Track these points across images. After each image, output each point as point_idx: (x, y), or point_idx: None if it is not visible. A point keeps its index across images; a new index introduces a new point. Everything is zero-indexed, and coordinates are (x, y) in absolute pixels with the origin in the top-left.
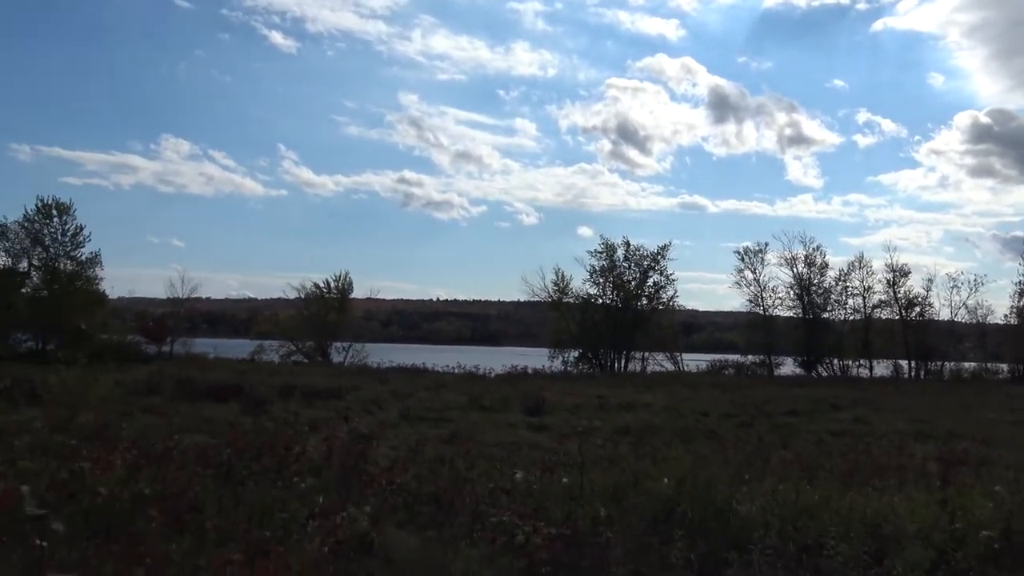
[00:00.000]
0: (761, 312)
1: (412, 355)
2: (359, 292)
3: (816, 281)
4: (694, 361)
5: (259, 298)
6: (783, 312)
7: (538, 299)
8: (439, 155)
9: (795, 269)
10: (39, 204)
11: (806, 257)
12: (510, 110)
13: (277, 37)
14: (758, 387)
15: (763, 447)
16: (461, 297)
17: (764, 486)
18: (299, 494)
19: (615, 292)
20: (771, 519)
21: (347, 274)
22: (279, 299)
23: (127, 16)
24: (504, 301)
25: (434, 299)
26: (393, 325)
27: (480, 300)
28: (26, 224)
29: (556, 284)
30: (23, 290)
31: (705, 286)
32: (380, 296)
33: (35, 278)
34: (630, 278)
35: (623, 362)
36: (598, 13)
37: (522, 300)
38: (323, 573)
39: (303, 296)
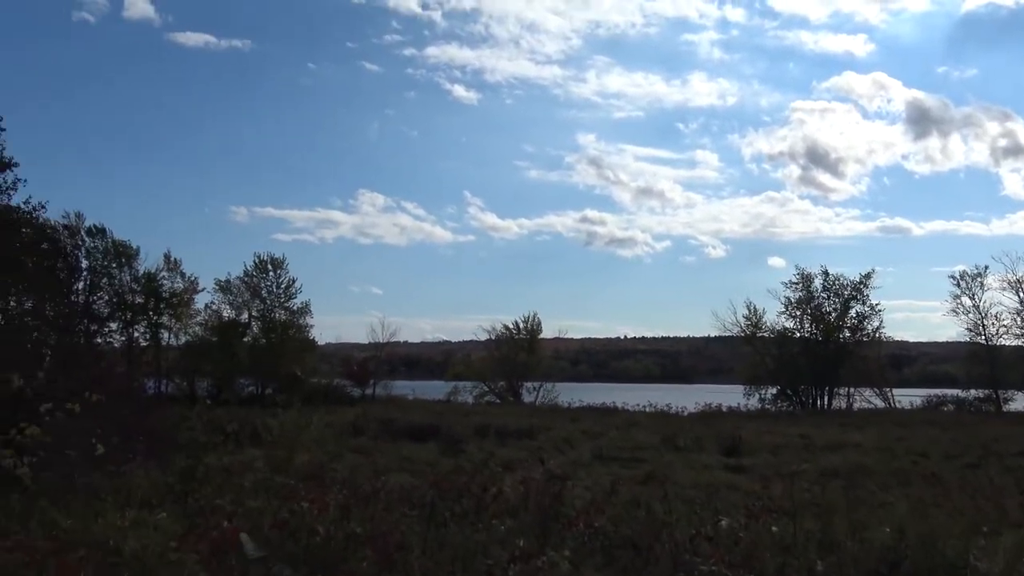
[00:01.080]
0: (983, 342)
1: (602, 394)
2: (547, 332)
3: None
4: (906, 397)
5: (452, 340)
6: (1009, 341)
7: (729, 334)
8: (620, 192)
9: (1021, 294)
10: (256, 260)
11: None
12: (690, 142)
13: (459, 90)
14: (984, 424)
15: (996, 492)
16: (648, 334)
17: (1005, 540)
18: (499, 537)
19: (814, 324)
20: None
21: (535, 315)
22: (471, 341)
23: (323, 82)
24: (693, 337)
25: (621, 337)
26: (582, 364)
27: (668, 336)
28: (246, 279)
29: (748, 318)
30: (244, 339)
31: (914, 315)
32: (568, 335)
33: (254, 328)
34: (830, 309)
35: (826, 399)
36: (778, 36)
37: (712, 335)
38: None
39: (494, 338)
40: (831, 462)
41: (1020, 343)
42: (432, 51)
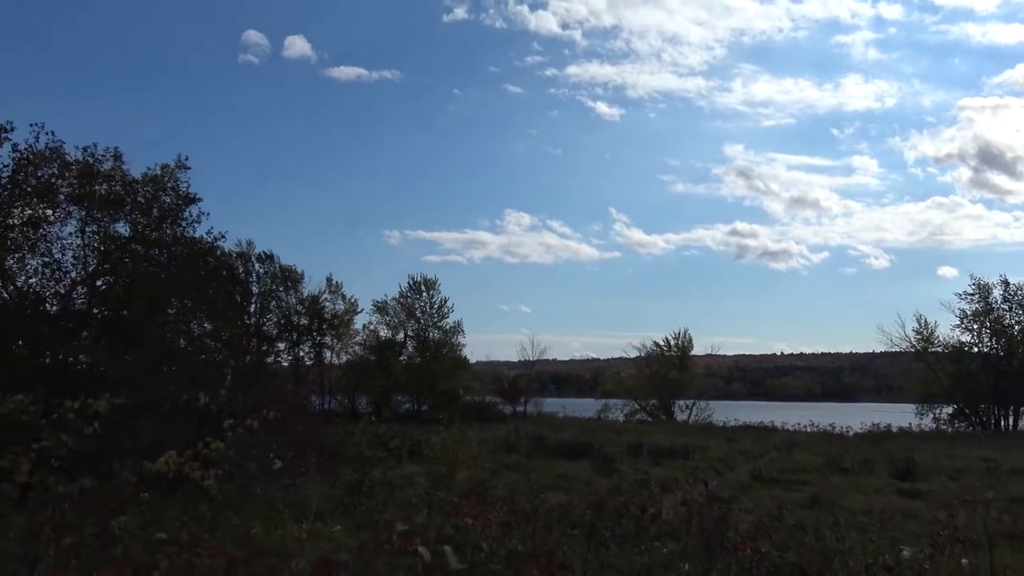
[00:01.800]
0: None
1: (758, 412)
2: (699, 349)
3: None
4: None
5: (601, 358)
6: None
7: (897, 349)
8: (771, 203)
9: None
10: (411, 282)
11: None
12: (846, 148)
13: (602, 107)
14: None
15: None
16: (806, 350)
17: None
18: (661, 559)
19: (994, 338)
20: None
21: (686, 331)
22: (620, 358)
23: (468, 107)
24: (856, 353)
25: (777, 353)
26: (736, 381)
27: (828, 352)
28: (401, 300)
29: (919, 332)
30: (401, 358)
31: None
32: (721, 352)
33: (410, 347)
34: (1012, 322)
35: (1012, 419)
36: (940, 31)
37: (878, 351)
38: None
39: (643, 355)
40: (1021, 490)
41: None
42: (573, 70)
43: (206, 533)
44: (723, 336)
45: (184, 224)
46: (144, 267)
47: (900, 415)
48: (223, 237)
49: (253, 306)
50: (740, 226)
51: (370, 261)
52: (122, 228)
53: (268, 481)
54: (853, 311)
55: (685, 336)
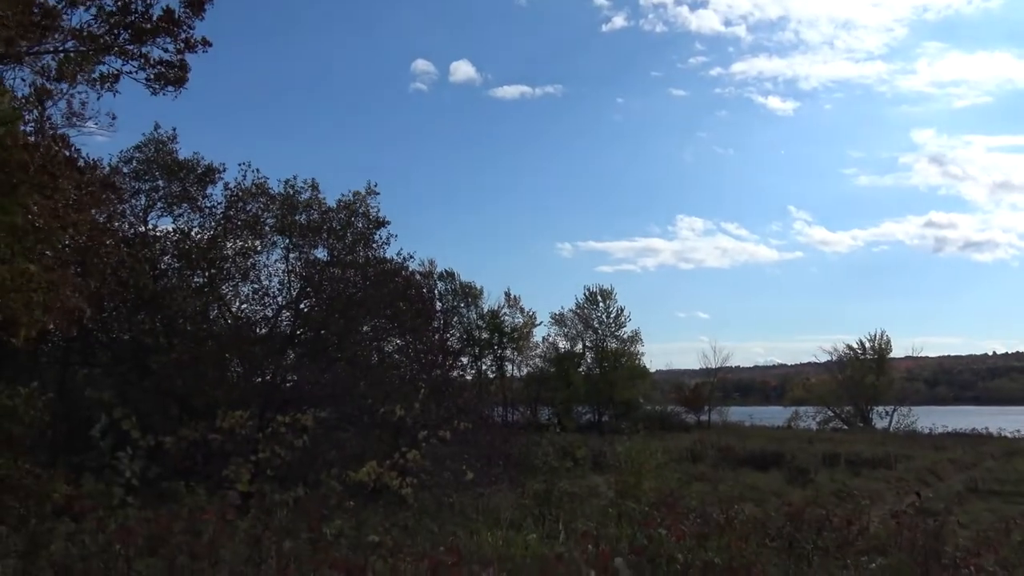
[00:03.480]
0: None
1: (969, 418)
2: (897, 351)
3: None
4: None
5: (787, 364)
6: None
7: None
8: (971, 190)
9: None
10: (586, 293)
11: None
12: None
13: (774, 102)
14: None
15: None
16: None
17: None
18: (870, 575)
19: None
20: None
21: (883, 333)
22: (809, 363)
23: (632, 114)
24: None
25: (989, 353)
26: (941, 385)
27: None
28: (577, 311)
29: None
30: (579, 369)
31: None
32: (922, 354)
33: (588, 358)
34: None
35: None
36: None
37: None
38: None
39: (835, 359)
40: None
41: None
42: (739, 67)
43: (408, 539)
44: (924, 336)
45: (375, 246)
46: (340, 288)
47: None
48: (411, 257)
49: (437, 322)
50: (936, 217)
51: (545, 274)
52: (320, 253)
53: (460, 490)
54: None
55: (882, 338)
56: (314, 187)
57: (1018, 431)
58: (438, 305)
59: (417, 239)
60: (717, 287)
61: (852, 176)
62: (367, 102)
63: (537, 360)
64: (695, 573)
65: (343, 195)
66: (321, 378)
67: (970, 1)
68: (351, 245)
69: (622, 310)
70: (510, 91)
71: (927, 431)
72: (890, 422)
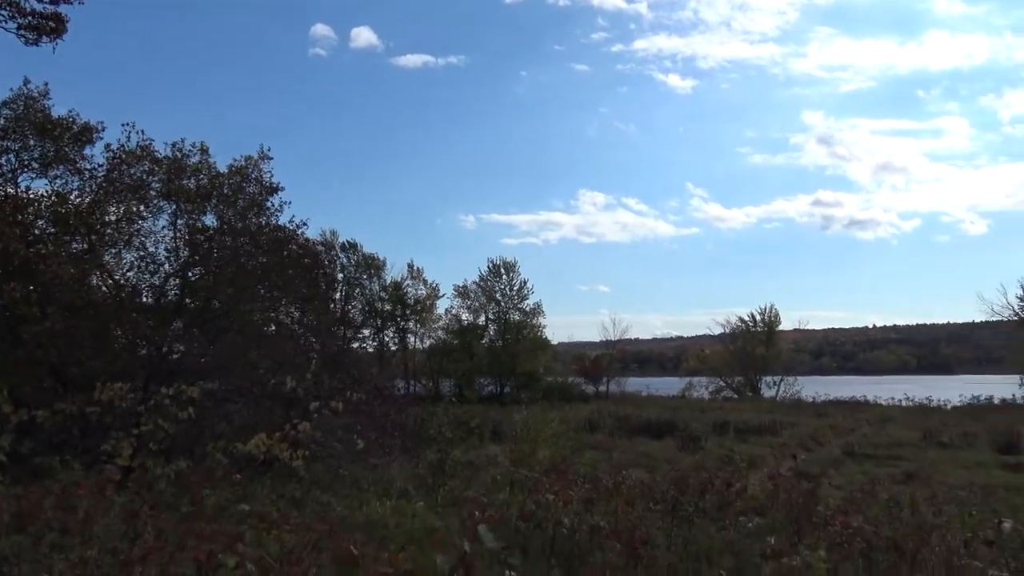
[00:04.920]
0: None
1: (849, 387)
2: (786, 324)
3: None
4: None
5: (684, 336)
6: None
7: (999, 318)
8: (856, 170)
9: None
10: (490, 265)
11: None
12: (934, 109)
13: (674, 80)
14: None
15: None
16: (900, 322)
17: None
18: (746, 534)
19: None
20: None
21: (772, 306)
22: (704, 336)
23: (536, 88)
24: (953, 323)
25: (869, 326)
26: (825, 356)
27: (923, 324)
28: (481, 284)
29: (1022, 299)
30: (482, 341)
31: None
32: (809, 327)
33: (491, 330)
34: None
35: None
36: None
37: (978, 320)
38: None
39: (728, 331)
40: None
41: None
42: (641, 44)
43: (294, 510)
44: (811, 310)
45: (268, 213)
46: (231, 256)
47: (1003, 387)
48: (305, 224)
49: (339, 293)
50: (824, 195)
51: (448, 246)
52: (210, 220)
53: (353, 461)
54: (949, 280)
55: (771, 311)
56: (204, 151)
57: (892, 398)
58: (340, 276)
59: (318, 209)
60: (618, 261)
61: (746, 155)
62: (263, 67)
63: (440, 332)
64: (582, 536)
65: (235, 160)
66: (209, 349)
67: None
68: (242, 211)
69: (525, 282)
70: (413, 60)
71: (811, 399)
72: (777, 391)
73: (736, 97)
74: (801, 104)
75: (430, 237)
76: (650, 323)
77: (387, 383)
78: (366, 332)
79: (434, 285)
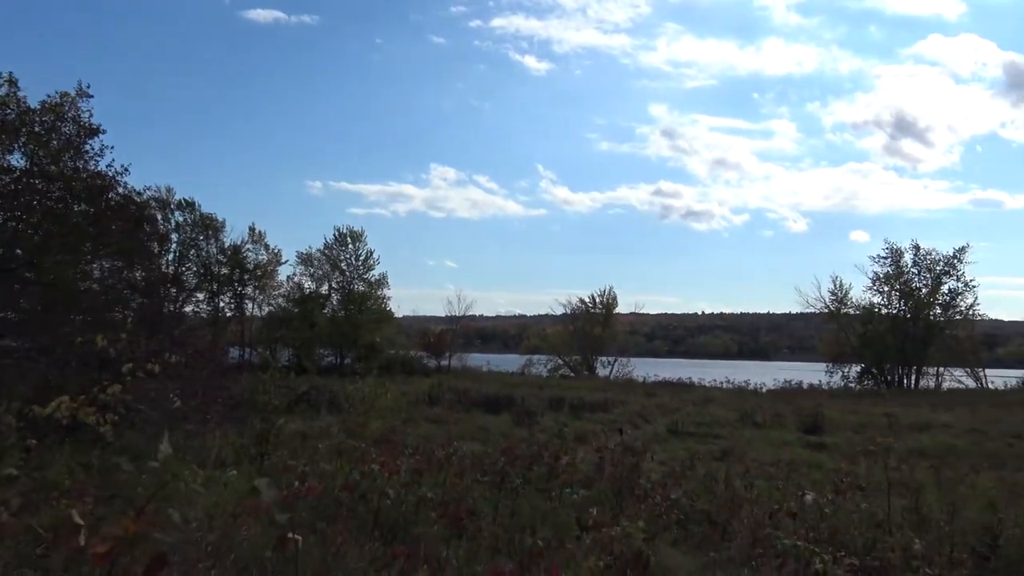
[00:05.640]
0: None
1: (678, 369)
2: (623, 307)
3: None
4: (1000, 377)
5: (527, 314)
6: None
7: (812, 310)
8: (695, 164)
9: None
10: (336, 233)
11: None
12: (767, 112)
13: (530, 61)
14: None
15: None
16: (727, 310)
17: None
18: (570, 505)
19: (902, 301)
20: None
21: (611, 289)
22: (546, 315)
23: (391, 56)
24: (774, 313)
25: (698, 312)
26: (658, 339)
27: (747, 313)
28: (326, 251)
29: (833, 293)
30: (324, 311)
31: (1009, 292)
32: (644, 311)
33: (334, 300)
34: (920, 285)
35: (913, 378)
36: None
37: (794, 312)
38: None
39: (569, 311)
40: (919, 442)
41: None
42: (499, 22)
43: (95, 480)
44: (647, 295)
45: (86, 157)
46: (40, 201)
47: (812, 373)
48: (126, 171)
49: (171, 254)
50: (664, 186)
51: (293, 212)
52: (17, 160)
53: (169, 428)
54: (772, 272)
55: (610, 293)
56: (12, 82)
57: (715, 381)
58: (174, 236)
59: (153, 165)
60: (466, 237)
61: (595, 141)
62: (93, 8)
63: (280, 300)
64: (408, 508)
65: (49, 96)
66: (10, 303)
67: None
68: (56, 153)
69: (371, 253)
70: (263, 15)
71: (642, 380)
72: (611, 371)
73: (588, 84)
74: (648, 96)
75: (274, 201)
76: (495, 300)
77: (219, 348)
78: (200, 296)
79: (276, 250)
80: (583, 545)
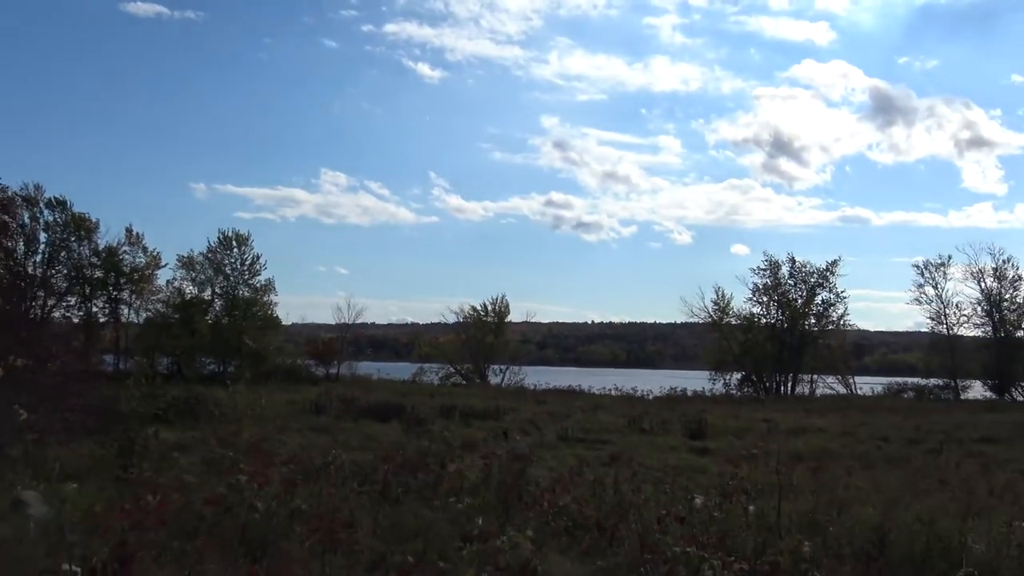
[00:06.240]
0: (944, 331)
1: (568, 377)
2: (515, 315)
3: (1008, 296)
4: (867, 384)
5: (420, 322)
6: (969, 331)
7: (697, 320)
8: (585, 176)
9: (983, 283)
10: (220, 236)
11: (995, 270)
12: (654, 127)
13: (424, 68)
14: (943, 412)
15: (964, 477)
16: (615, 319)
17: (997, 522)
18: (455, 514)
19: (780, 311)
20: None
21: (503, 297)
22: (438, 323)
23: (281, 57)
24: (660, 323)
25: (588, 321)
26: (549, 348)
27: (635, 322)
28: (209, 255)
29: (716, 303)
30: (207, 317)
31: (874, 304)
32: (536, 319)
33: (217, 305)
34: (796, 296)
35: (790, 385)
36: (739, 21)
37: (679, 322)
38: None
39: (461, 320)
40: (795, 446)
41: (979, 333)
42: (392, 27)
43: None
44: (540, 304)
45: None
46: None
47: (695, 381)
48: None
49: (40, 255)
50: (556, 197)
51: (175, 214)
52: None
53: (14, 438)
54: (658, 283)
55: (502, 302)
56: None
57: (603, 388)
58: (43, 236)
59: (20, 161)
60: (358, 244)
61: (488, 151)
62: None
63: (159, 305)
64: (280, 521)
65: None
66: None
67: (595, 6)
68: None
69: (258, 258)
70: (144, 8)
71: (532, 387)
72: (503, 379)
73: (481, 94)
74: (540, 108)
75: (155, 203)
76: (387, 308)
77: (93, 355)
78: (72, 299)
79: (155, 253)
80: (465, 557)
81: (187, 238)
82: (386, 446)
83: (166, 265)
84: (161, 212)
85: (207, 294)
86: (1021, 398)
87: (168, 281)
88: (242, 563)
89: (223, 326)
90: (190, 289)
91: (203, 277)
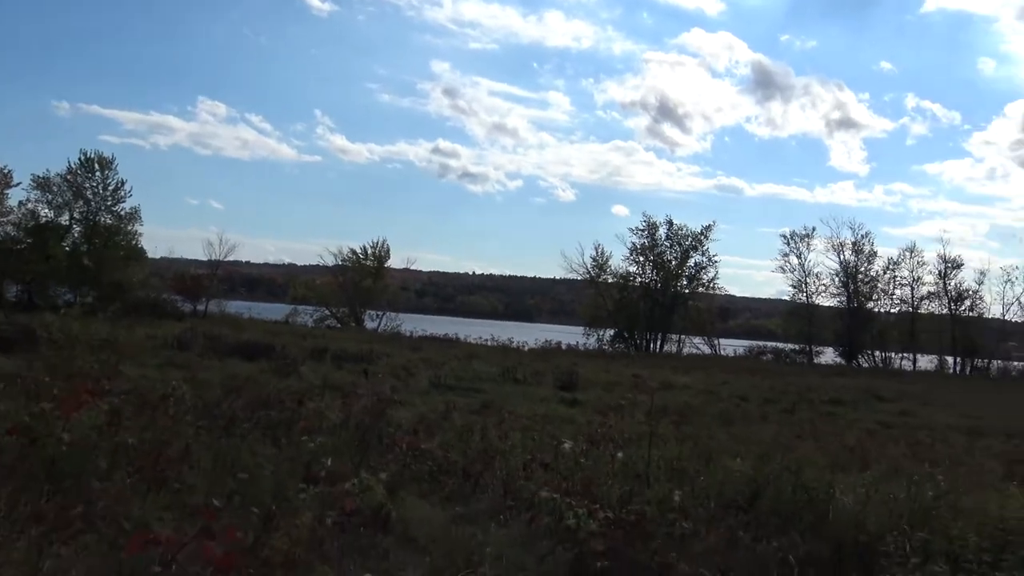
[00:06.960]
0: (804, 299)
1: (445, 326)
2: (395, 262)
3: (863, 269)
4: (730, 346)
5: (297, 263)
6: (826, 300)
7: (575, 275)
8: (474, 126)
9: (842, 256)
10: (82, 158)
11: (854, 244)
12: (544, 82)
13: None
14: (798, 374)
15: (817, 435)
16: (496, 272)
17: (864, 476)
18: (304, 454)
19: (655, 271)
20: (888, 516)
21: (384, 242)
22: (317, 265)
23: None
24: (540, 278)
25: (469, 272)
26: (428, 296)
27: (515, 276)
28: (68, 177)
29: (595, 260)
30: (63, 243)
31: (741, 271)
32: (416, 267)
33: (75, 232)
34: (671, 258)
35: (659, 343)
36: None
37: (558, 277)
38: (323, 551)
39: (340, 262)
40: (662, 400)
41: (835, 302)
42: None
43: None
44: (422, 252)
45: None
46: None
47: (571, 335)
48: None
49: None
50: (443, 144)
51: (33, 132)
52: None
53: None
54: (541, 238)
55: (383, 246)
56: None
57: (480, 338)
58: None
59: None
60: (234, 179)
61: (376, 91)
62: None
63: (10, 227)
64: (102, 455)
65: None
66: None
67: None
68: None
69: (123, 183)
70: None
71: (409, 334)
72: (379, 324)
73: (372, 31)
74: (431, 52)
75: (10, 117)
76: (264, 247)
77: None
78: None
79: (7, 171)
80: (304, 500)
81: (45, 158)
82: (250, 385)
83: (18, 184)
84: (17, 128)
85: (64, 219)
86: (867, 364)
87: (21, 202)
88: (44, 503)
89: (81, 254)
90: (46, 212)
91: (61, 200)
